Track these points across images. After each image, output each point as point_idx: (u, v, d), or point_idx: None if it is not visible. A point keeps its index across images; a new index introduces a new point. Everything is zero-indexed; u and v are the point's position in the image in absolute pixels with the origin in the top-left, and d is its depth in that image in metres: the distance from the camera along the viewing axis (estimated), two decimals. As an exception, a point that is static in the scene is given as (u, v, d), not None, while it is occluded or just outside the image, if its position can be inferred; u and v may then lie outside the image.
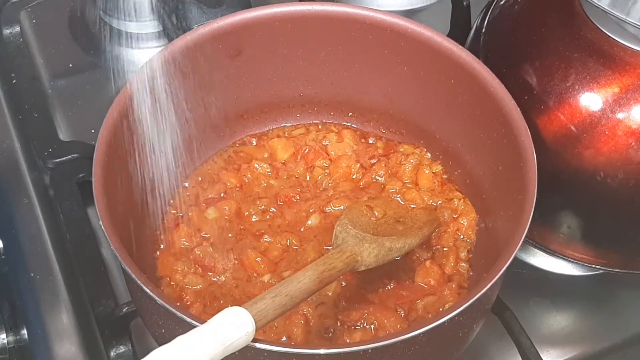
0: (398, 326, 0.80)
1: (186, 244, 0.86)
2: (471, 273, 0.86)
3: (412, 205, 0.90)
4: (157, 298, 0.68)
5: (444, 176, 0.93)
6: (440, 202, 0.91)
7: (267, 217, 0.89)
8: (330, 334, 0.81)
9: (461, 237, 0.88)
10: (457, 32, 1.04)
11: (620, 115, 0.80)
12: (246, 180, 0.92)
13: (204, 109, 0.92)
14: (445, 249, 0.87)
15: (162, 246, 0.87)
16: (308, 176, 0.93)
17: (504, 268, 0.71)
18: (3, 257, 0.94)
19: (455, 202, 0.90)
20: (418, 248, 0.85)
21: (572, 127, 0.82)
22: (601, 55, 0.81)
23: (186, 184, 0.92)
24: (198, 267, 0.85)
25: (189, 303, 0.82)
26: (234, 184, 0.92)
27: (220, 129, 0.95)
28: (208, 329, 0.62)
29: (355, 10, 0.89)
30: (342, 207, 0.90)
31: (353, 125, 0.98)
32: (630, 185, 0.81)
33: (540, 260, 0.97)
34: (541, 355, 0.83)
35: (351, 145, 0.96)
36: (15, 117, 1.04)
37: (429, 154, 0.95)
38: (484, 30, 0.93)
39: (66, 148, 1.01)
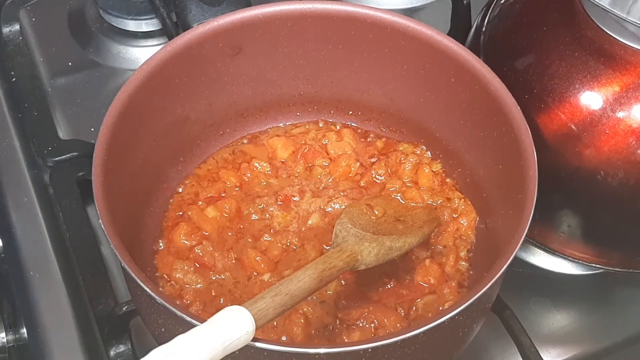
0: (398, 325, 0.80)
1: (186, 242, 0.86)
2: (471, 272, 0.86)
3: (412, 204, 0.90)
4: (156, 297, 0.68)
5: (444, 175, 0.93)
6: (440, 201, 0.91)
7: (267, 216, 0.89)
8: (330, 333, 0.80)
9: (461, 236, 0.88)
10: (458, 30, 1.04)
11: (620, 114, 0.80)
12: (246, 179, 0.92)
13: (204, 107, 0.92)
14: (445, 247, 0.87)
15: (161, 245, 0.87)
16: (308, 175, 0.93)
17: (504, 267, 0.71)
18: (2, 255, 0.94)
19: (456, 202, 0.90)
20: (418, 247, 0.85)
21: (573, 126, 0.82)
22: (601, 54, 0.81)
23: (186, 183, 0.92)
24: (198, 266, 0.85)
25: (188, 302, 0.82)
26: (234, 183, 0.92)
27: (220, 128, 0.94)
28: (208, 328, 0.62)
29: (356, 9, 0.89)
30: (342, 206, 0.89)
31: (353, 124, 0.98)
32: (631, 184, 0.81)
33: (541, 259, 0.97)
34: (541, 355, 0.83)
35: (351, 144, 0.95)
36: (14, 115, 1.04)
37: (429, 153, 0.94)
38: (484, 28, 0.92)
39: (66, 146, 1.01)
